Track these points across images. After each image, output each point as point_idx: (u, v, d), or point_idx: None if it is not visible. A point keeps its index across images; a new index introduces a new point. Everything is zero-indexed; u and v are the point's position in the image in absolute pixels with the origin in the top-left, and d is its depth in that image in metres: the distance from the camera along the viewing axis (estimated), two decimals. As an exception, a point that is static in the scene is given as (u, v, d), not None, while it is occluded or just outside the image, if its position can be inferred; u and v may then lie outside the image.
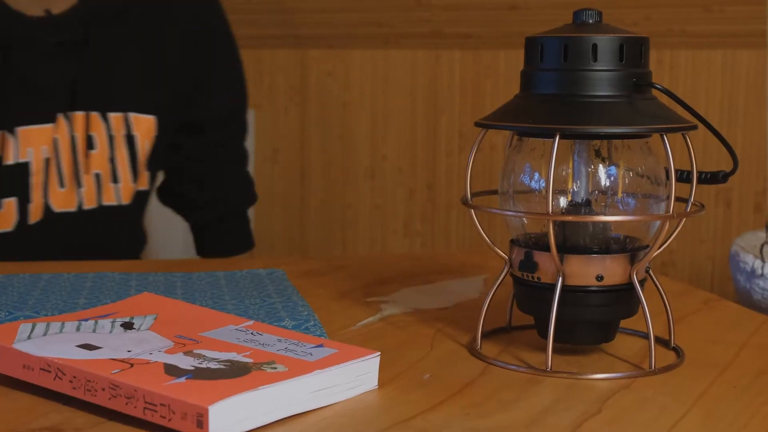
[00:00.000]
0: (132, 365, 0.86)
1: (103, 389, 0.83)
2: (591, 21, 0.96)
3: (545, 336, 0.95)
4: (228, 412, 0.78)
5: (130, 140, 1.55)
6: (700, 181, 0.98)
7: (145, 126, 1.56)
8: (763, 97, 2.32)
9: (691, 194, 0.97)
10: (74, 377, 0.85)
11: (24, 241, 1.52)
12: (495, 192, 1.03)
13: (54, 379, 0.86)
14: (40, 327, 0.95)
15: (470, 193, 1.00)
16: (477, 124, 0.97)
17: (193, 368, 0.85)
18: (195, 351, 0.90)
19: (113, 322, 0.98)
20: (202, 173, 1.73)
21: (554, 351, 0.95)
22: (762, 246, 1.48)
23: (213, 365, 0.86)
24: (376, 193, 2.81)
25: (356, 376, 0.89)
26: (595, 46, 0.93)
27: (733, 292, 1.68)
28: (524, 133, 0.99)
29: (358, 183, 2.83)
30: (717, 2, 2.35)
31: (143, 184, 1.61)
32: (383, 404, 0.87)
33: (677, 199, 0.96)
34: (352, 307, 1.19)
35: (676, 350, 1.01)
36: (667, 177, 0.94)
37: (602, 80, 0.93)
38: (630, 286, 0.96)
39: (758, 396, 0.89)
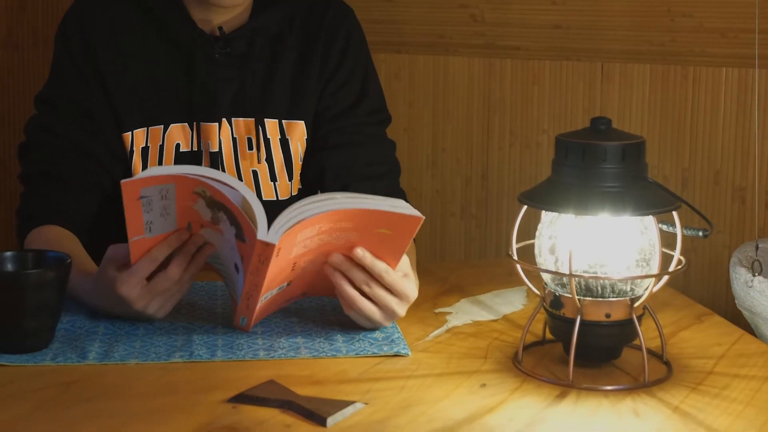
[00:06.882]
0: None
1: None
2: (603, 127, 1.31)
3: (569, 354, 1.31)
4: None
5: (284, 144, 1.80)
6: (685, 234, 1.33)
7: (297, 130, 1.80)
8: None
9: (676, 253, 1.32)
10: None
11: None
12: (532, 243, 1.38)
13: None
14: None
15: (515, 249, 1.36)
16: (519, 200, 1.33)
17: None
18: None
19: None
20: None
21: (575, 365, 1.31)
22: (753, 263, 1.81)
23: None
24: (436, 179, 3.10)
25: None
26: (605, 150, 1.28)
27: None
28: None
29: (421, 170, 3.10)
30: (732, 29, 2.65)
31: (297, 188, 1.84)
32: (454, 403, 1.24)
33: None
34: (425, 318, 1.55)
35: (667, 364, 1.37)
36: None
37: (610, 175, 1.28)
38: (631, 321, 1.32)
39: (718, 408, 1.25)
